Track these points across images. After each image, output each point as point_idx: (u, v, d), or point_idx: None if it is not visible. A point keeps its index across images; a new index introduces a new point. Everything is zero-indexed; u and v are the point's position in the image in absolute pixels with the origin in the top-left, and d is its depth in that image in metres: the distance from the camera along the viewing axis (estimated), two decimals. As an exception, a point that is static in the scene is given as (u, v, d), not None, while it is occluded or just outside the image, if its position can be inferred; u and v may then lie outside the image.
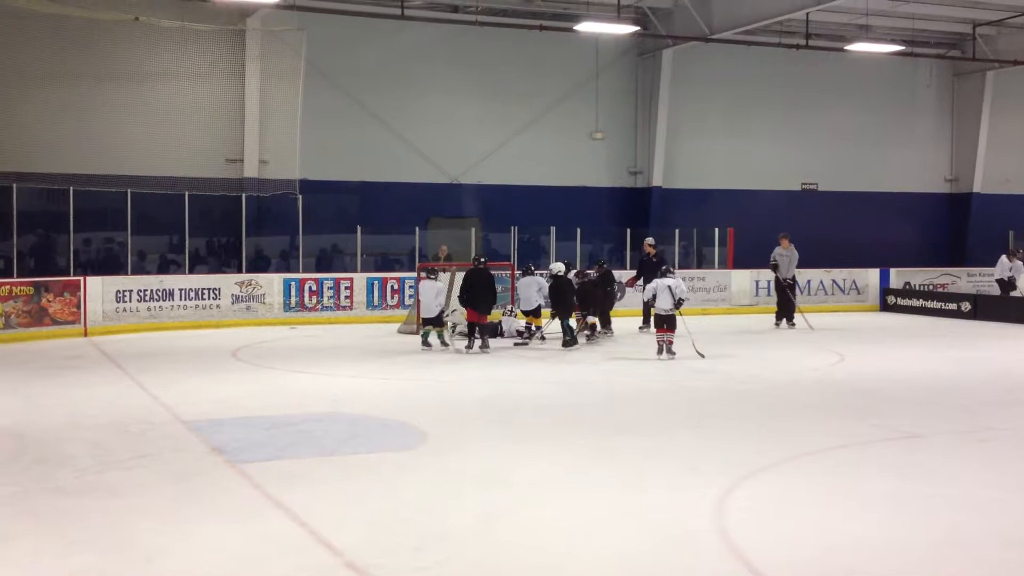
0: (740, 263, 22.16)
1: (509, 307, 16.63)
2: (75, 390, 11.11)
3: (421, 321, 14.98)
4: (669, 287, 14.31)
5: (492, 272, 15.07)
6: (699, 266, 22.64)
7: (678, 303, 14.43)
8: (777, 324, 18.29)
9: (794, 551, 5.59)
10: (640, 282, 17.49)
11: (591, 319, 15.84)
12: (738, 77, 24.54)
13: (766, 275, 21.94)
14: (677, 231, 22.44)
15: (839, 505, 6.49)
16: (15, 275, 16.70)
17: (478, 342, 14.35)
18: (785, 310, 18.31)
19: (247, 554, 5.51)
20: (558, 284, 14.90)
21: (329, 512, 6.23)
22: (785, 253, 18.44)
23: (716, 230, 22.37)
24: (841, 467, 7.59)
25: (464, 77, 22.62)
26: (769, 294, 21.64)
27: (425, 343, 14.72)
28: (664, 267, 15.52)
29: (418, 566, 5.30)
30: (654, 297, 14.50)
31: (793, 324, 18.11)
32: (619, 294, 19.73)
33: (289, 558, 5.43)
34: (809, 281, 22.05)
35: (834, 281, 22.67)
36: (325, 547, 5.56)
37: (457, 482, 7.05)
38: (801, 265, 19.09)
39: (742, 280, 22.02)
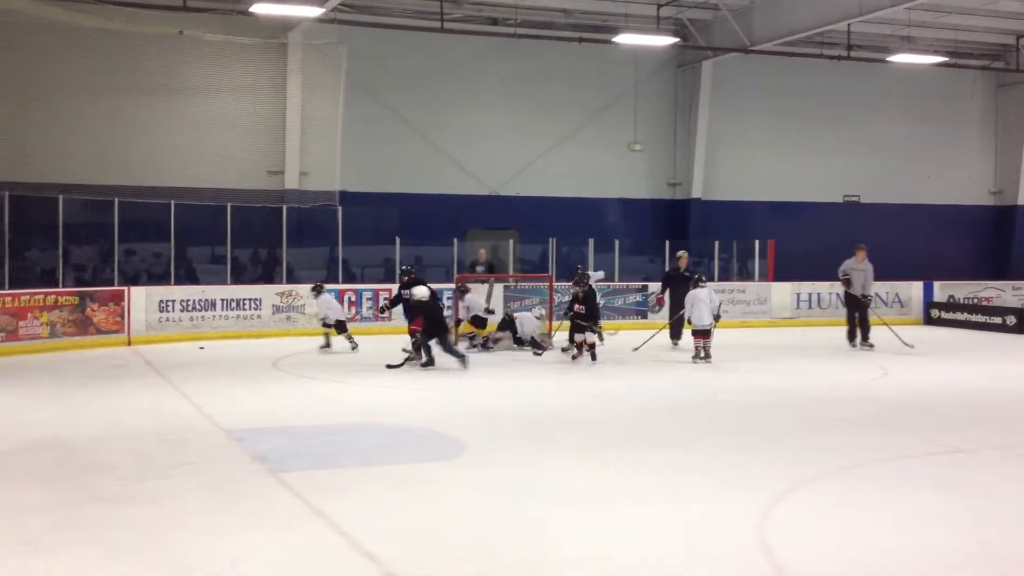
0: (781, 276, 21.98)
1: (538, 311, 16.74)
2: (118, 399, 11.24)
3: (335, 324, 16.03)
4: (708, 301, 14.47)
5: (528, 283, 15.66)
6: (739, 279, 22.49)
7: (717, 317, 14.59)
8: (852, 344, 16.78)
9: (837, 566, 5.52)
10: (667, 298, 16.97)
11: (591, 337, 14.56)
12: (779, 88, 24.40)
13: (806, 288, 21.83)
14: (717, 243, 22.31)
15: (882, 520, 6.40)
16: (61, 285, 16.95)
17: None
18: (862, 328, 16.78)
19: (288, 563, 5.53)
20: (426, 307, 13.85)
21: (369, 522, 6.25)
22: (860, 267, 16.91)
23: (756, 242, 22.21)
24: (884, 482, 7.49)
25: (503, 89, 22.69)
26: (819, 306, 21.45)
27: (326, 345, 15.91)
28: (696, 276, 15.54)
29: (457, 577, 5.31)
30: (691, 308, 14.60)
31: (870, 345, 16.61)
32: (656, 307, 19.69)
33: (330, 567, 5.45)
34: (845, 292, 21.81)
35: (877, 294, 22.36)
36: (366, 557, 5.58)
37: (495, 493, 7.04)
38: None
39: (783, 293, 21.85)
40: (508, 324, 16.39)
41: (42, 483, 7.28)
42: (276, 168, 20.81)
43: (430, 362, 13.73)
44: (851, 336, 16.94)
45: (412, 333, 14.32)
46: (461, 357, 13.63)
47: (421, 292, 14.00)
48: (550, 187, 22.94)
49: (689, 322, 15.17)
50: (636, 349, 15.73)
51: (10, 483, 7.30)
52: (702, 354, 14.56)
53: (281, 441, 8.76)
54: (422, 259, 21.28)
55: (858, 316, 16.92)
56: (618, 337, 16.45)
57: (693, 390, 12.28)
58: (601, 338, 15.11)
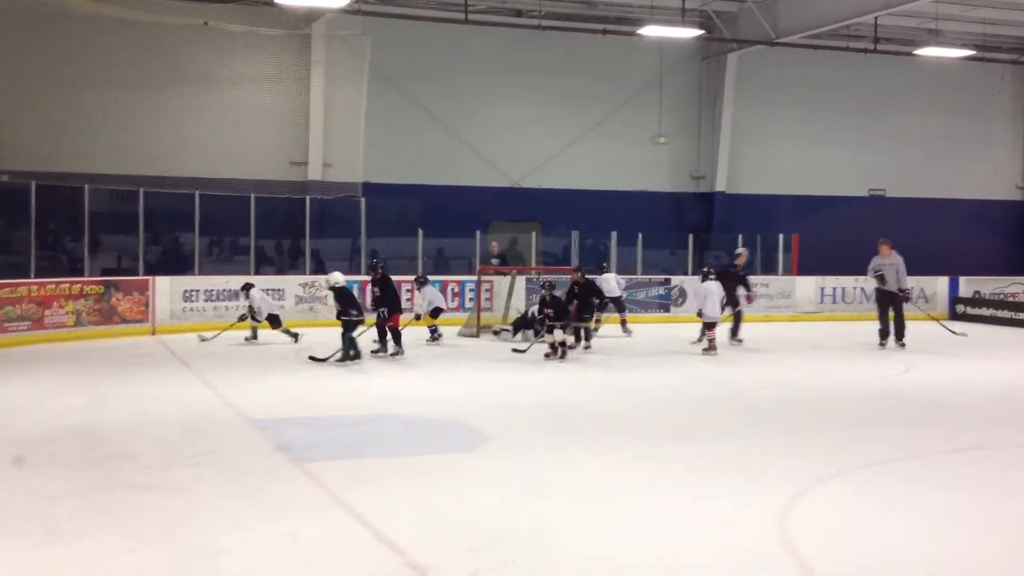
0: (805, 269, 21.90)
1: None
2: (143, 388, 11.33)
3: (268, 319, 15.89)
4: (719, 293, 14.77)
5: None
6: (763, 272, 22.38)
7: (723, 308, 14.88)
8: (883, 344, 15.93)
9: (857, 564, 5.49)
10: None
11: (561, 336, 13.95)
12: (805, 81, 24.27)
13: (831, 282, 21.74)
14: (740, 236, 22.20)
15: (904, 518, 6.36)
16: (86, 274, 17.09)
17: (392, 346, 14.12)
18: (896, 327, 15.87)
19: (310, 552, 5.57)
20: (340, 294, 13.69)
21: (390, 512, 6.27)
22: (887, 262, 16.07)
23: (781, 236, 22.11)
24: (906, 479, 7.44)
25: (527, 81, 22.68)
26: (843, 300, 21.30)
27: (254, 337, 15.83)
28: (706, 270, 15.53)
29: (476, 568, 5.31)
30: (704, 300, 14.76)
31: (903, 344, 15.78)
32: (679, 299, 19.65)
33: (351, 557, 5.48)
34: (877, 289, 21.67)
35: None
36: (386, 546, 5.60)
37: (514, 485, 7.05)
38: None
39: (807, 287, 21.75)
40: (523, 319, 16.34)
41: (67, 471, 7.35)
42: (299, 159, 20.90)
43: (357, 355, 13.40)
44: (883, 335, 16.07)
45: (382, 327, 14.15)
46: (348, 353, 13.26)
47: (335, 278, 13.76)
48: (573, 179, 22.92)
49: (699, 315, 15.12)
50: (695, 343, 15.47)
51: (36, 471, 7.38)
52: (714, 347, 14.65)
53: (303, 431, 8.82)
54: (443, 251, 21.34)
55: (893, 313, 16.06)
56: (648, 330, 16.38)
57: (714, 384, 12.23)
58: (589, 335, 14.96)
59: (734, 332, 16.11)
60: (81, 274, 17.07)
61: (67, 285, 16.11)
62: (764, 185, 24.41)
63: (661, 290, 20.76)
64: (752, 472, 7.49)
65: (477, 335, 16.94)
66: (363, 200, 20.33)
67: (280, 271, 19.80)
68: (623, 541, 5.85)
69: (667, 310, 20.51)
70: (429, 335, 16.04)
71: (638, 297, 20.14)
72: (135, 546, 5.62)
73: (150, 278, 17.28)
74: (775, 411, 10.37)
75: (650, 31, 20.21)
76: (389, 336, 14.22)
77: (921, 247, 23.76)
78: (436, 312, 16.18)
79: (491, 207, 22.06)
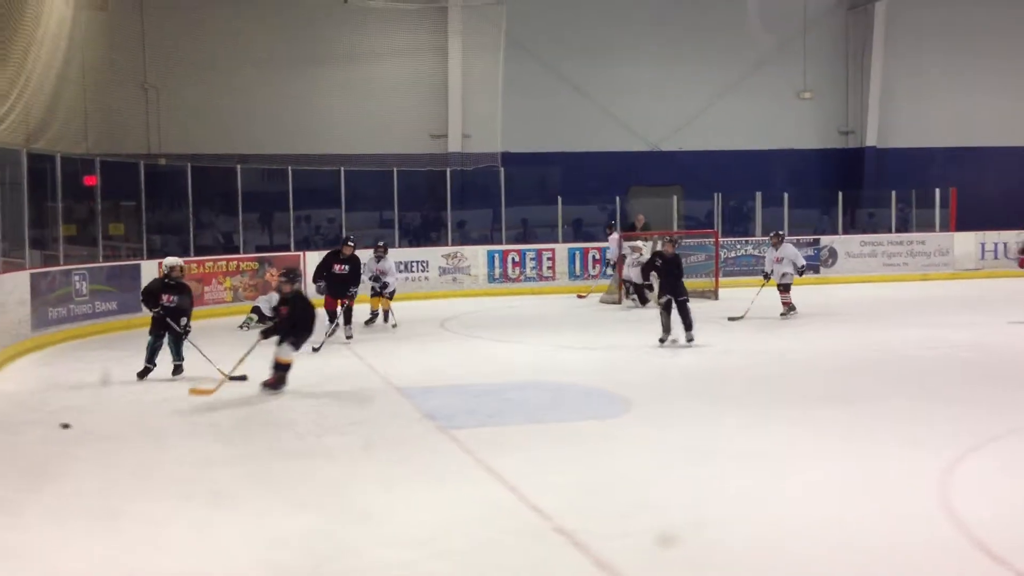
0: (964, 225, 20.89)
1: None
2: (298, 359, 11.64)
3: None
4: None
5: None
6: (919, 229, 21.47)
7: (800, 271, 14.49)
8: None
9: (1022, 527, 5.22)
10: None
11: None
12: (957, 27, 23.01)
13: (992, 237, 20.66)
14: (893, 193, 21.36)
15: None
16: (241, 251, 17.74)
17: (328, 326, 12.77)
18: None
19: (460, 516, 5.64)
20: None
21: (537, 478, 6.28)
22: None
23: (937, 191, 21.12)
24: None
25: (663, 40, 22.24)
26: (1005, 256, 20.25)
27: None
28: (781, 233, 14.91)
29: (625, 532, 5.27)
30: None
31: None
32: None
33: (500, 521, 5.52)
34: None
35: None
36: (535, 511, 5.62)
37: (663, 451, 6.98)
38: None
39: (966, 243, 20.75)
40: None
41: (228, 439, 7.66)
42: (439, 132, 21.12)
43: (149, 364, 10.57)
44: None
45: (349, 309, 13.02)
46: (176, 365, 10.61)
47: (172, 261, 10.79)
48: (714, 140, 22.42)
49: (802, 273, 14.59)
50: (734, 319, 14.03)
51: (198, 439, 7.70)
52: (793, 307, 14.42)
53: (450, 399, 8.94)
54: (582, 218, 21.21)
55: None
56: (798, 293, 15.83)
57: (868, 345, 11.82)
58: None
59: None
60: (236, 251, 17.73)
61: (224, 262, 16.77)
62: (917, 138, 23.33)
63: (810, 251, 20.14)
64: (913, 434, 7.21)
65: (619, 301, 16.82)
66: (502, 170, 20.40)
67: (418, 243, 20.03)
68: (778, 505, 5.71)
69: (816, 271, 19.87)
70: (372, 317, 14.48)
71: (785, 258, 19.60)
72: (292, 510, 5.79)
73: (301, 253, 17.81)
74: (938, 373, 9.96)
75: (792, -18, 19.54)
76: (341, 313, 12.96)
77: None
78: (392, 294, 14.62)
79: (630, 172, 21.83)
